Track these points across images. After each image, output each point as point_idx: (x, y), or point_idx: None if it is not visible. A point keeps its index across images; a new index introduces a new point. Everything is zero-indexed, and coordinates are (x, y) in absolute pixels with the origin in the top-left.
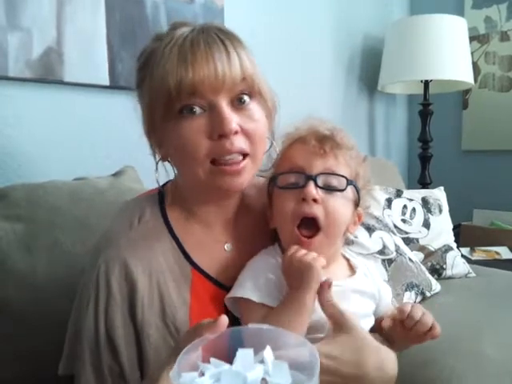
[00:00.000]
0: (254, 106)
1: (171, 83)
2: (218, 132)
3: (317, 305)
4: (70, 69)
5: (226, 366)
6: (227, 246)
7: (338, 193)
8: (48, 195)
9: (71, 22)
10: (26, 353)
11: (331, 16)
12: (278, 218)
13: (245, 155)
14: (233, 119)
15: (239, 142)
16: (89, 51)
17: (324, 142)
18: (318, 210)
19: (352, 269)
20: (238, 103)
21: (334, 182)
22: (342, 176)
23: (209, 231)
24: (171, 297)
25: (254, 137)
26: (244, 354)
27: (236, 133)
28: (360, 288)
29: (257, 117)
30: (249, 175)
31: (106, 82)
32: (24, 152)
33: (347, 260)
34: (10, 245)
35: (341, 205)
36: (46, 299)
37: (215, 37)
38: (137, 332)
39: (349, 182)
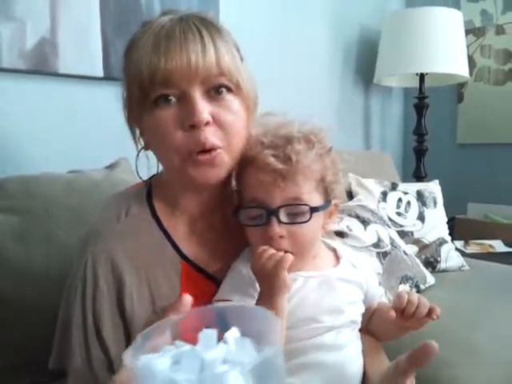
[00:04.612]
0: (231, 98)
1: (145, 72)
2: (189, 122)
3: (300, 301)
4: (64, 60)
5: (188, 347)
6: (215, 238)
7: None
8: (43, 187)
9: (65, 13)
10: (22, 343)
11: (327, 7)
12: (251, 245)
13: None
14: (204, 109)
15: (212, 135)
16: (83, 42)
17: (278, 176)
18: (286, 244)
19: (338, 259)
20: (214, 94)
21: (298, 211)
22: (305, 204)
23: (194, 223)
24: (161, 289)
25: (230, 129)
26: (207, 335)
27: (207, 123)
28: (345, 276)
29: (234, 109)
30: (225, 167)
31: (100, 74)
32: (18, 144)
33: (334, 250)
34: (5, 237)
35: (309, 228)
36: (41, 290)
37: (193, 26)
38: (126, 326)
39: (313, 210)
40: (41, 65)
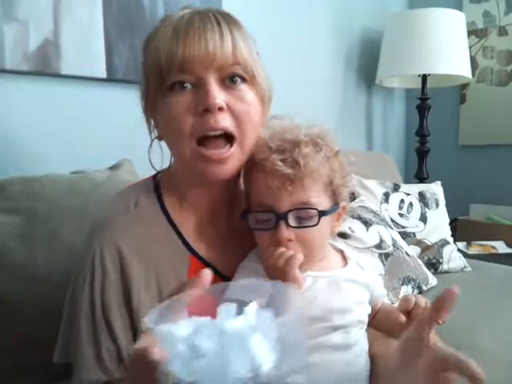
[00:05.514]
0: (246, 88)
1: (162, 58)
2: (203, 106)
3: (309, 300)
4: (67, 61)
5: (207, 319)
6: (221, 243)
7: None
8: (46, 188)
9: (68, 14)
10: (25, 344)
11: (330, 9)
12: (259, 247)
13: (232, 140)
14: (218, 95)
15: (224, 120)
16: (86, 43)
17: (286, 180)
18: (295, 247)
19: (345, 260)
20: (229, 82)
21: (306, 215)
22: (314, 208)
23: (203, 218)
24: (168, 282)
25: (243, 118)
26: (227, 309)
27: (221, 109)
28: (353, 277)
29: (249, 99)
30: (236, 163)
31: (104, 75)
32: (21, 145)
33: (341, 252)
34: (8, 238)
35: (317, 232)
36: (45, 291)
37: (211, 17)
38: (132, 316)
39: (321, 214)
40: (44, 66)
